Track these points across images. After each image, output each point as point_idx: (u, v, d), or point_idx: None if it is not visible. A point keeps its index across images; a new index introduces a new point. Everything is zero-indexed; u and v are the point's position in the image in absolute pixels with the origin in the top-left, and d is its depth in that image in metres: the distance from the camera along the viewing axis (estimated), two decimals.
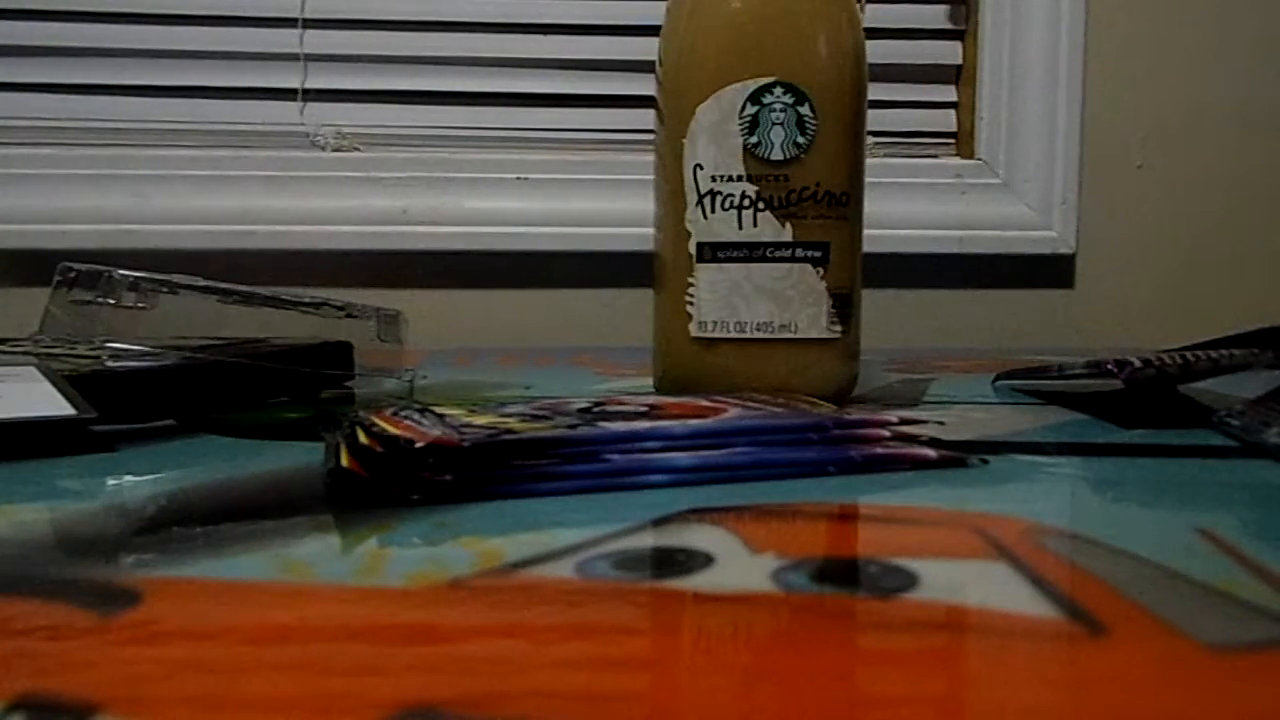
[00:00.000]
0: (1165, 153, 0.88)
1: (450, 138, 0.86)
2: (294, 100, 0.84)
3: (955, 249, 0.85)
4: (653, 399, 0.36)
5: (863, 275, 0.45)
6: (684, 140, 0.43)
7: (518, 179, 0.83)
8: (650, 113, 0.47)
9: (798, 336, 0.43)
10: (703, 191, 0.42)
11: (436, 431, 0.28)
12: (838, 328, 0.43)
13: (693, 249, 0.43)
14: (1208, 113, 0.88)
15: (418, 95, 0.85)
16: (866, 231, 0.45)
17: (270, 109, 0.84)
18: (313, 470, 0.31)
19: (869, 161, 0.46)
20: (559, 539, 0.23)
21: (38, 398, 0.35)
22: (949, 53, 0.88)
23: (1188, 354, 0.41)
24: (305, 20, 0.84)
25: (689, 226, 0.43)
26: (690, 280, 0.43)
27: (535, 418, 0.31)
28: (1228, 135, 0.88)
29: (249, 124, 0.84)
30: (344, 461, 0.29)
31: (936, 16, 0.88)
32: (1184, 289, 0.89)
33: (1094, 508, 0.27)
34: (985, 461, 0.32)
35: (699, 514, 0.25)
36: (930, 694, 0.15)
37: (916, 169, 0.86)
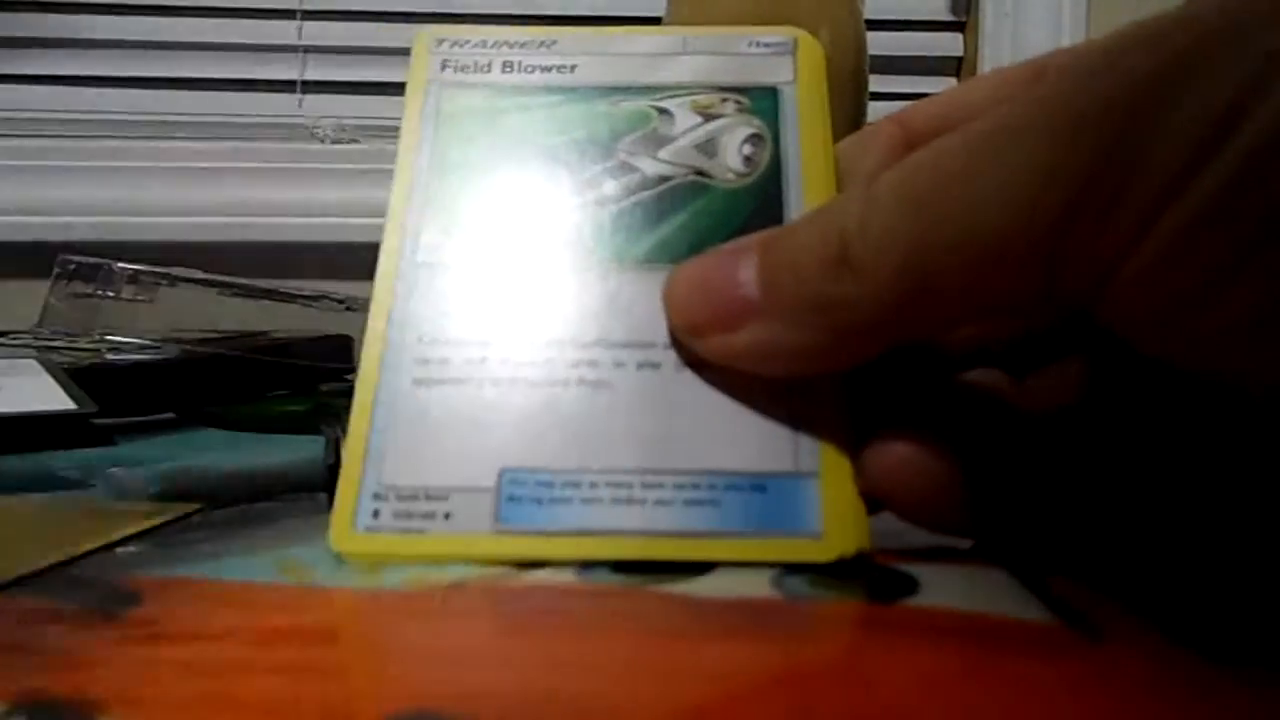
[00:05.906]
0: None
1: None
2: (293, 92, 0.84)
3: None
4: None
5: None
6: None
7: None
8: None
9: None
10: None
11: None
12: None
13: None
14: None
15: None
16: None
17: (269, 101, 0.84)
18: (313, 464, 0.31)
19: None
20: None
21: (38, 392, 0.35)
22: (950, 44, 0.88)
23: None
24: (304, 12, 0.83)
25: None
26: None
27: None
28: None
29: (248, 116, 0.84)
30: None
31: (937, 8, 0.87)
32: None
33: None
34: None
35: None
36: (929, 700, 0.15)
37: None
